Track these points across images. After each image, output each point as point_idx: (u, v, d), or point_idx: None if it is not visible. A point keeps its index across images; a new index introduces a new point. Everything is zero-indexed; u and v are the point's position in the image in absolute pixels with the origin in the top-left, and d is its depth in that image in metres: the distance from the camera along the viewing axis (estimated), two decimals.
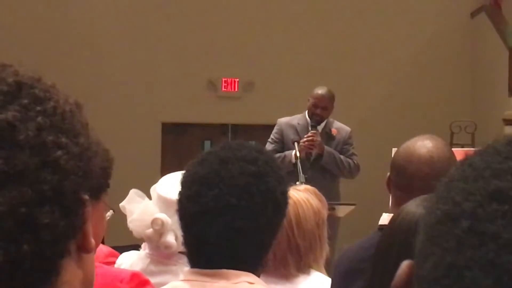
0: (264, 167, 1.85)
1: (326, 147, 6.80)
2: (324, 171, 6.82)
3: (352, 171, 6.93)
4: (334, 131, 6.96)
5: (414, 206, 1.84)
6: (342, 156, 6.88)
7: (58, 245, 0.88)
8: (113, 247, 3.27)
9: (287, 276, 2.76)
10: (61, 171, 0.87)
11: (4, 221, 0.83)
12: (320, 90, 7.02)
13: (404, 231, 1.80)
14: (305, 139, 6.74)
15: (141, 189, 2.83)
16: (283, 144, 6.90)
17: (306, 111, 7.04)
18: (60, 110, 0.91)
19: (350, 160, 6.91)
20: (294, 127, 6.99)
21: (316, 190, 3.00)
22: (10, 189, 0.84)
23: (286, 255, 2.76)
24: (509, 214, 0.61)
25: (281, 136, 6.99)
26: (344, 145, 6.95)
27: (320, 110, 6.93)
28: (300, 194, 2.85)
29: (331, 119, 7.05)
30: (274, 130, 7.12)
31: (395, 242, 1.83)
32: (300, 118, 7.08)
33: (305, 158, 6.70)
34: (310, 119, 6.94)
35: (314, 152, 6.80)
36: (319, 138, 6.79)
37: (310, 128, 6.86)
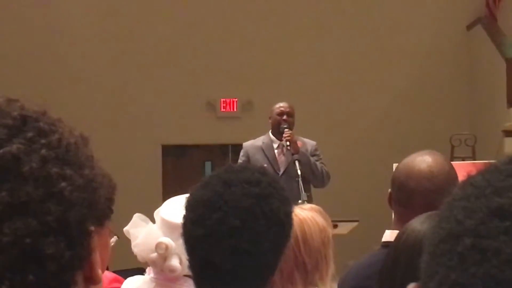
0: (267, 189, 1.85)
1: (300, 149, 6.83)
2: (296, 180, 6.76)
3: (324, 177, 6.93)
4: (299, 143, 6.95)
5: (419, 224, 1.84)
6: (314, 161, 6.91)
7: (64, 276, 0.88)
8: (118, 271, 3.27)
9: None
10: (66, 202, 0.88)
11: (9, 252, 0.84)
12: (281, 102, 7.15)
13: (409, 249, 1.80)
14: (284, 135, 6.79)
15: (143, 212, 2.83)
16: None
17: (270, 131, 7.12)
18: (64, 143, 0.91)
19: (321, 166, 6.93)
20: (259, 148, 7.04)
21: (321, 209, 3.00)
22: (15, 220, 0.84)
23: (293, 272, 2.76)
24: (511, 230, 0.62)
25: (247, 159, 7.01)
26: (311, 156, 6.96)
27: (286, 117, 6.99)
28: (306, 212, 2.86)
29: (296, 136, 7.04)
30: (241, 154, 7.15)
31: (401, 260, 1.83)
32: (264, 138, 7.15)
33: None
34: (274, 134, 7.03)
35: (287, 158, 6.84)
36: (294, 138, 6.83)
37: (283, 128, 6.88)
